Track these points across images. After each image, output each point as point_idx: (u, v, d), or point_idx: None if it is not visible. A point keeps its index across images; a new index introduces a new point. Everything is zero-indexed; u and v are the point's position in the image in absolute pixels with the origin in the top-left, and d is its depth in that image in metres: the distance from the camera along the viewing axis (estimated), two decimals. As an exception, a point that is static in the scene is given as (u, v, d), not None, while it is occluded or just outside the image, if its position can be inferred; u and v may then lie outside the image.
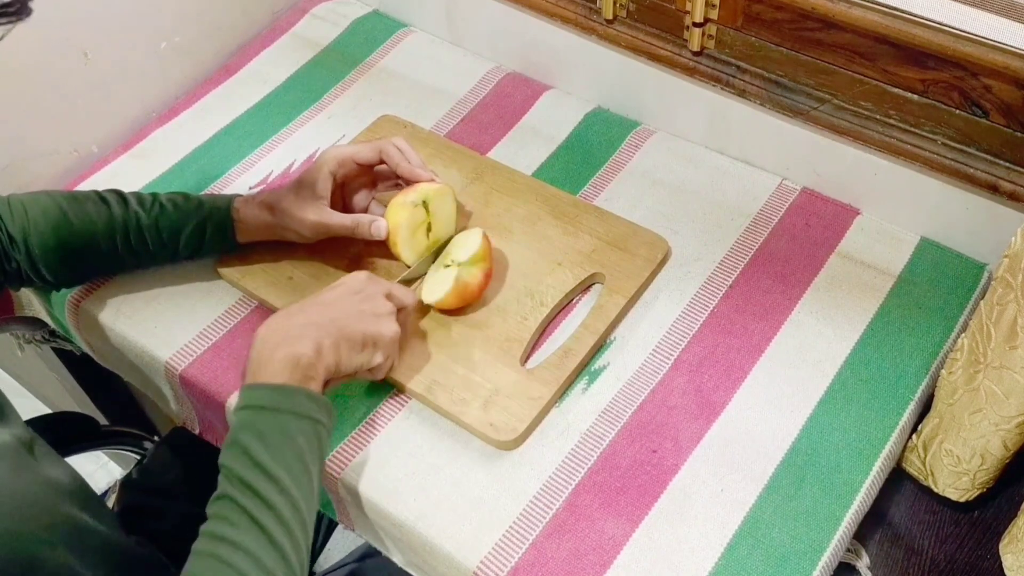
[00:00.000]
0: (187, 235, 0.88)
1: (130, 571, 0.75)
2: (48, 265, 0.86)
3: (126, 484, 1.04)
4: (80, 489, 0.75)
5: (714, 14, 0.92)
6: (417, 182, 0.90)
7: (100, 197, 0.88)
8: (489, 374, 0.84)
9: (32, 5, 0.57)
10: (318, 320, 0.74)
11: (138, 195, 0.89)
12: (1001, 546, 0.77)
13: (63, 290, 0.95)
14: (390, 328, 0.78)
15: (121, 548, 0.76)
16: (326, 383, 0.74)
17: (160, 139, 1.12)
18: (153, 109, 1.16)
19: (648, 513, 0.78)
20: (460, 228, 0.93)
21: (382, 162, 0.91)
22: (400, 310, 0.81)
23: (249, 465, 0.66)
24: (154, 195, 0.89)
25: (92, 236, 0.86)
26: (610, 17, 1.00)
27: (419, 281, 0.90)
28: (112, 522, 0.78)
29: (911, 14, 0.80)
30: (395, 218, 0.88)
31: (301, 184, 0.88)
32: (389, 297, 0.79)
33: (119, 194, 0.89)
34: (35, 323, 1.08)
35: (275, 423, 0.68)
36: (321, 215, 0.88)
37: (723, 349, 0.87)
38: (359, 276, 0.80)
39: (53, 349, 1.18)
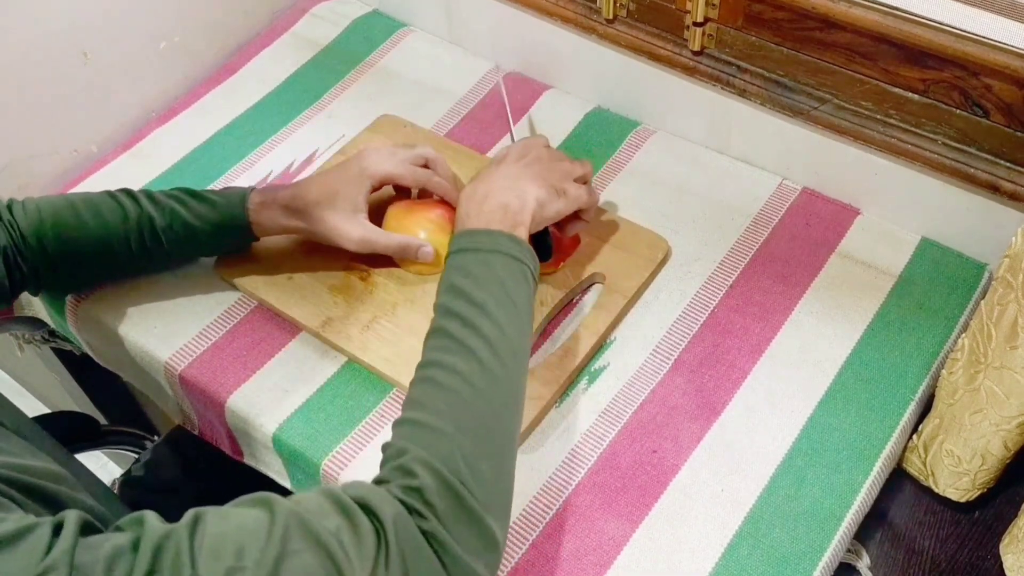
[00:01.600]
0: (203, 236, 0.87)
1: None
2: (63, 268, 0.86)
3: (126, 483, 1.04)
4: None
5: (714, 14, 0.92)
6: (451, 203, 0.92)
7: (113, 199, 0.87)
8: (489, 374, 0.84)
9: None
10: (516, 173, 0.81)
11: (150, 195, 0.88)
12: (1002, 546, 0.77)
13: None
14: (580, 189, 0.84)
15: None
16: None
17: (160, 139, 1.12)
18: (153, 109, 1.16)
19: (648, 513, 0.78)
20: None
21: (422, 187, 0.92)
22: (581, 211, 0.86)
23: (455, 296, 0.71)
24: (167, 194, 0.88)
25: (107, 238, 0.85)
26: (610, 17, 1.00)
27: None
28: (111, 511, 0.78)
29: (911, 14, 0.80)
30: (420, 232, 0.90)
31: (339, 196, 0.86)
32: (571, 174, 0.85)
33: (131, 194, 0.87)
34: (35, 323, 1.08)
35: (478, 260, 0.73)
36: (367, 233, 0.87)
37: (723, 349, 0.87)
38: (540, 141, 0.87)
39: (53, 349, 1.18)
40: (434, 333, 0.70)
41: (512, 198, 0.77)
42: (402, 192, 0.95)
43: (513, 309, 0.71)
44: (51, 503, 0.57)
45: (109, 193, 0.88)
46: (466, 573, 0.59)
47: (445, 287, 0.72)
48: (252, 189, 0.89)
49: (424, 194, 0.94)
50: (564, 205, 0.82)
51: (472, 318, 0.69)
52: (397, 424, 0.65)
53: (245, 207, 0.87)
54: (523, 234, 0.76)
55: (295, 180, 0.94)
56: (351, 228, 0.87)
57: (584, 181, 0.86)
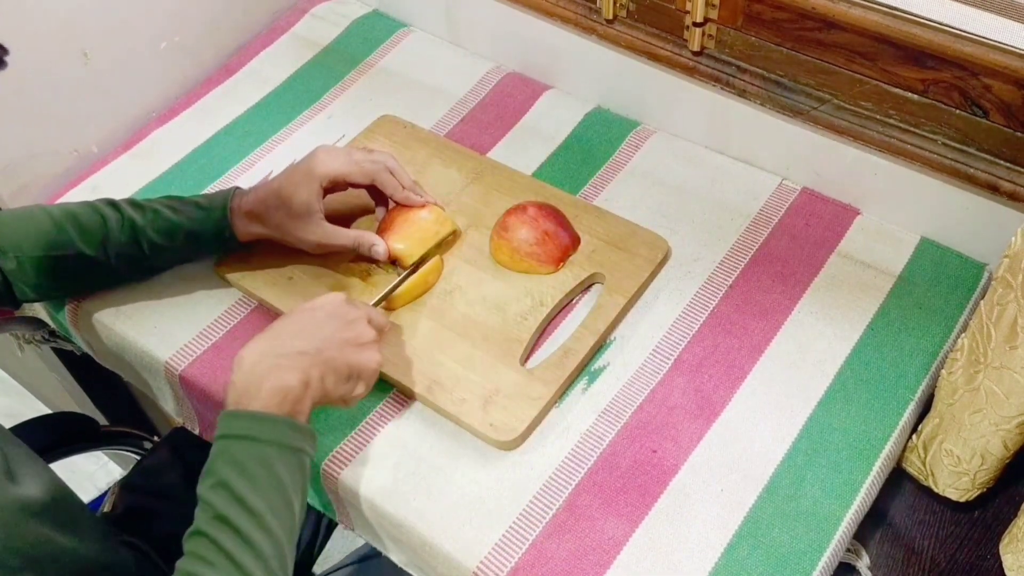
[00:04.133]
0: (183, 238, 0.88)
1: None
2: (41, 278, 0.86)
3: (126, 486, 1.04)
4: (52, 504, 0.73)
5: (714, 14, 0.92)
6: (410, 206, 0.91)
7: (92, 207, 0.87)
8: (489, 374, 0.84)
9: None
10: (305, 349, 0.71)
11: (132, 201, 0.89)
12: (1001, 546, 0.77)
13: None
14: (374, 359, 0.76)
15: (98, 563, 0.75)
16: None
17: (160, 139, 1.12)
18: (153, 109, 1.16)
19: (648, 513, 0.78)
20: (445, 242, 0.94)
21: (372, 185, 0.91)
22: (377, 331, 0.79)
23: (227, 498, 0.64)
24: (148, 200, 0.89)
25: (86, 244, 0.85)
26: (610, 17, 1.00)
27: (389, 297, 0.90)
28: (92, 536, 0.77)
29: (911, 14, 0.80)
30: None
31: (292, 200, 0.86)
32: (369, 323, 0.77)
33: (112, 202, 0.88)
34: (35, 323, 1.08)
35: (257, 454, 0.66)
36: (323, 236, 0.88)
37: (723, 349, 0.87)
38: (337, 299, 0.77)
39: (53, 349, 1.18)
40: (200, 538, 0.63)
41: (294, 380, 0.69)
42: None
43: (290, 516, 0.66)
44: None
45: (88, 202, 0.88)
46: None
47: (214, 481, 0.65)
48: (235, 191, 0.89)
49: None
50: (347, 390, 0.75)
51: (247, 531, 0.63)
52: None
53: (227, 206, 0.88)
54: (305, 418, 0.70)
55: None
56: (306, 230, 0.87)
57: (379, 329, 0.79)
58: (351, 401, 0.77)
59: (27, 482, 0.72)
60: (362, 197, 0.96)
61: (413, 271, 0.90)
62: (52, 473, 0.77)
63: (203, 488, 0.65)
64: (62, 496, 0.76)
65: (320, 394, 0.72)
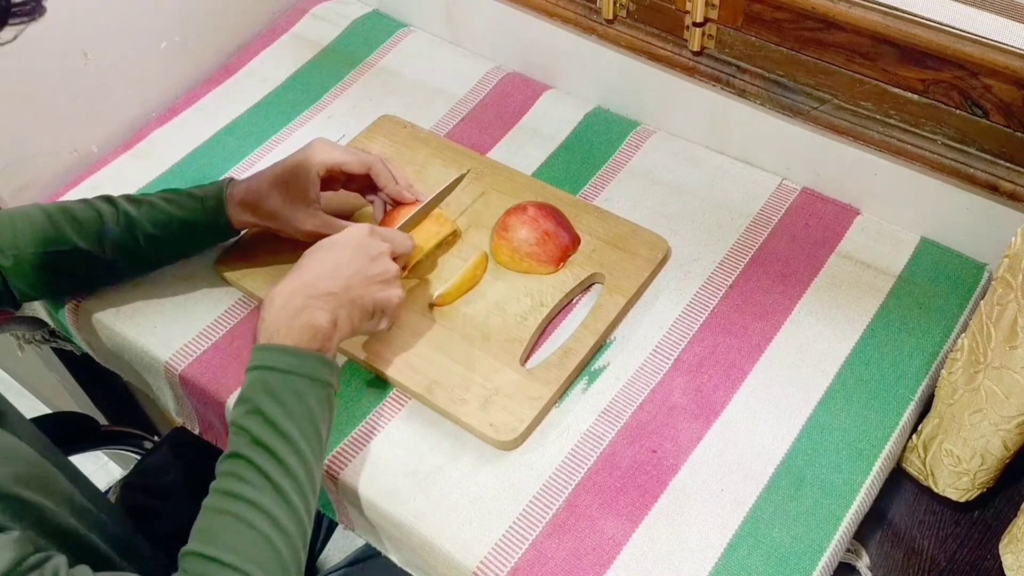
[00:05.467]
0: (178, 228, 0.87)
1: (127, 549, 0.75)
2: (39, 275, 0.86)
3: (126, 485, 1.04)
4: (63, 463, 0.76)
5: (714, 14, 0.92)
6: (401, 202, 0.91)
7: (87, 202, 0.87)
8: (489, 374, 0.84)
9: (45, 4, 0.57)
10: (333, 289, 0.75)
11: (127, 195, 0.89)
12: (1001, 546, 0.77)
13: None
14: (397, 295, 0.80)
15: (115, 530, 0.76)
16: None
17: (160, 139, 1.12)
18: (153, 109, 1.16)
19: (648, 513, 0.78)
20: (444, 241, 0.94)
21: (368, 176, 0.91)
22: (399, 256, 0.82)
23: (263, 424, 0.67)
24: (144, 194, 0.89)
25: (82, 239, 0.85)
26: (610, 17, 1.00)
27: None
28: (105, 504, 0.78)
29: (911, 14, 0.80)
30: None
31: (288, 186, 0.87)
32: (392, 255, 0.81)
33: (107, 197, 0.88)
34: (35, 323, 1.08)
35: (289, 385, 0.69)
36: (319, 224, 0.88)
37: (723, 349, 0.87)
38: (361, 232, 0.80)
39: (53, 349, 1.18)
40: (236, 460, 0.66)
41: (323, 320, 0.73)
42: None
43: (319, 444, 0.70)
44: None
45: (84, 200, 0.88)
46: None
47: (249, 408, 0.68)
48: (229, 180, 0.89)
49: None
50: (372, 325, 0.79)
51: (283, 455, 0.66)
52: (192, 556, 0.62)
53: (223, 193, 0.88)
54: (332, 353, 0.73)
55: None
56: (302, 218, 0.87)
57: (401, 261, 0.83)
58: (377, 334, 0.83)
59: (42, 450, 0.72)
60: (356, 199, 0.95)
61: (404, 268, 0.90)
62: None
63: (237, 414, 0.68)
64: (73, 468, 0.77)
65: (348, 330, 0.76)
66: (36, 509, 0.63)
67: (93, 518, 0.71)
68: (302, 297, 0.73)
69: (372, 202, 0.95)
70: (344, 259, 0.77)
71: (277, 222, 0.88)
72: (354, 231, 0.80)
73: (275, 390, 0.69)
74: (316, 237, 0.89)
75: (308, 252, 0.78)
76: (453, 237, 0.94)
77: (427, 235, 0.91)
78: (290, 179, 0.87)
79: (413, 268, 0.91)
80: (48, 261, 0.85)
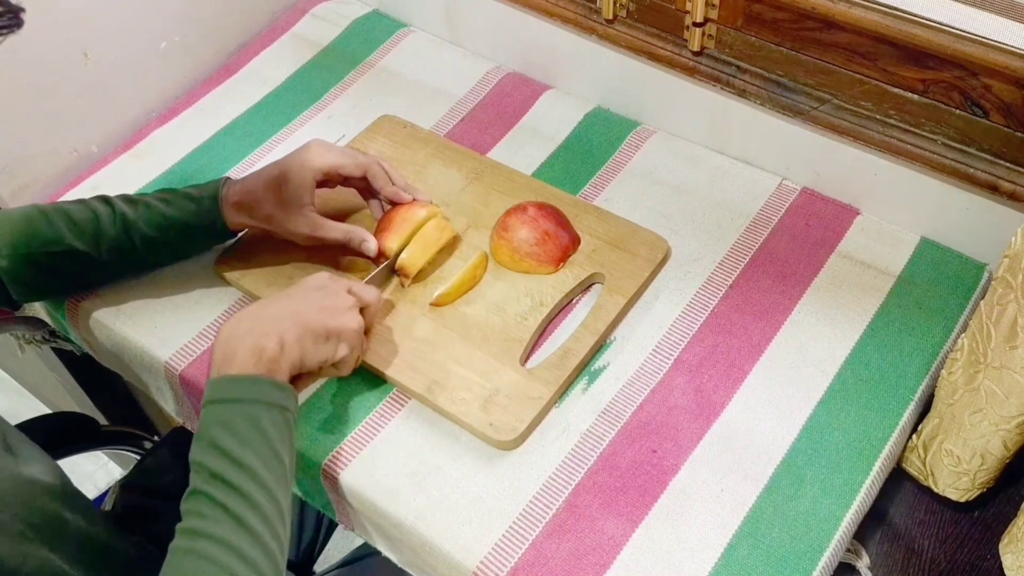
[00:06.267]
0: (174, 229, 0.87)
1: (114, 568, 0.75)
2: (35, 276, 0.86)
3: (125, 486, 1.04)
4: (60, 485, 0.75)
5: (714, 14, 0.92)
6: (399, 203, 0.91)
7: (84, 203, 0.87)
8: (489, 374, 0.84)
9: (30, 8, 0.57)
10: (280, 315, 0.74)
11: (124, 196, 0.89)
12: (1001, 546, 0.77)
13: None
14: (353, 320, 0.78)
15: (104, 544, 0.76)
16: (294, 380, 0.74)
17: (160, 139, 1.12)
18: (153, 109, 1.16)
19: (648, 513, 0.78)
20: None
21: (365, 178, 0.91)
22: (364, 308, 0.81)
23: (218, 456, 0.66)
24: (141, 195, 0.89)
25: (78, 239, 0.85)
26: (610, 17, 1.00)
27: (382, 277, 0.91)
28: (94, 518, 0.78)
29: (911, 14, 0.80)
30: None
31: (283, 188, 0.87)
32: (350, 292, 0.80)
33: (104, 198, 0.88)
34: (35, 323, 1.08)
35: (241, 412, 0.68)
36: (314, 228, 0.88)
37: (723, 349, 0.87)
38: (320, 275, 0.81)
39: (53, 349, 1.18)
40: (195, 497, 0.65)
41: (269, 343, 0.71)
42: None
43: (280, 467, 0.68)
44: None
45: (81, 200, 0.88)
46: None
47: (205, 443, 0.67)
48: (225, 181, 0.89)
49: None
50: (331, 351, 0.76)
51: (241, 484, 0.65)
52: None
53: (217, 195, 0.87)
54: (284, 377, 0.72)
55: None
56: (296, 221, 0.87)
57: (361, 299, 0.81)
58: (341, 366, 0.79)
59: (32, 463, 0.73)
60: (355, 198, 0.96)
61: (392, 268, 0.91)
62: (47, 459, 0.78)
63: (195, 452, 0.67)
64: (63, 479, 0.77)
65: (298, 354, 0.73)
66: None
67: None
68: (248, 323, 0.73)
69: (370, 204, 0.95)
70: (296, 293, 0.78)
71: (272, 225, 0.88)
72: (314, 276, 0.81)
73: (227, 421, 0.68)
74: (311, 241, 0.89)
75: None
76: (453, 242, 0.94)
77: (428, 242, 0.91)
78: (285, 182, 0.87)
79: (415, 277, 0.91)
80: (44, 262, 0.85)
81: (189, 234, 0.89)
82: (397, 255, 0.90)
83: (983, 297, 0.74)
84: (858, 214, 0.97)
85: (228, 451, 0.66)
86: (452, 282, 0.89)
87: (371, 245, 0.89)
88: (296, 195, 0.87)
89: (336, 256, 0.94)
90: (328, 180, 0.90)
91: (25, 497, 0.68)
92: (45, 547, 0.65)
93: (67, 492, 0.76)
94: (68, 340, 1.07)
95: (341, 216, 0.96)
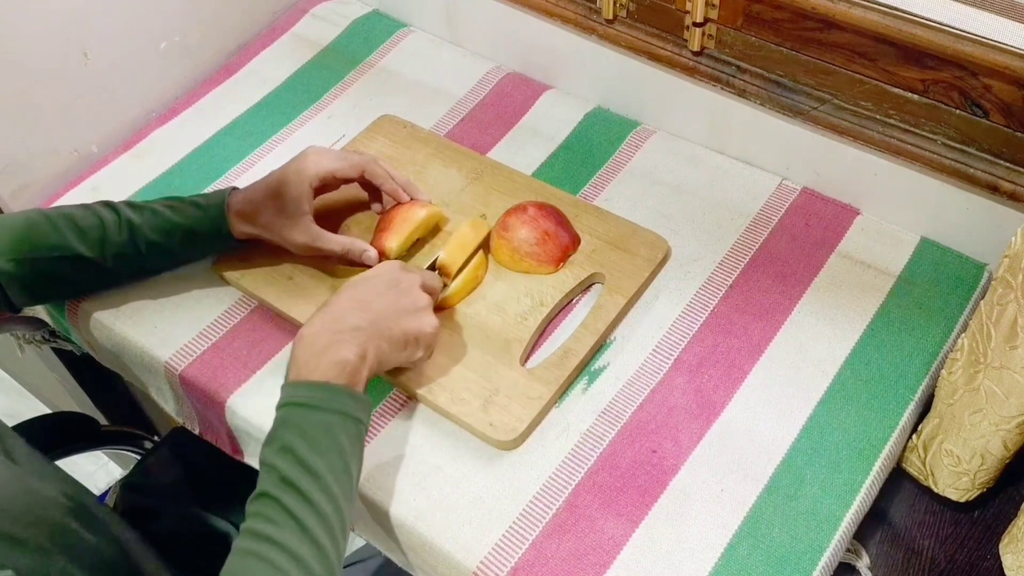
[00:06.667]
0: (180, 237, 0.87)
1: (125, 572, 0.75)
2: (38, 281, 0.85)
3: (126, 485, 1.04)
4: (68, 497, 0.74)
5: (714, 14, 0.92)
6: (399, 201, 0.91)
7: (89, 208, 0.87)
8: (489, 374, 0.84)
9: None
10: (360, 324, 0.74)
11: (129, 202, 0.89)
12: (1001, 546, 0.77)
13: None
14: (430, 323, 0.79)
15: (112, 556, 0.76)
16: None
17: (160, 139, 1.12)
18: (153, 109, 1.16)
19: (648, 513, 0.78)
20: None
21: (363, 178, 0.91)
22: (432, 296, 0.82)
23: (291, 462, 0.66)
24: (147, 201, 0.89)
25: (84, 245, 0.85)
26: (610, 17, 1.00)
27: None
28: (103, 530, 0.77)
29: (911, 14, 0.80)
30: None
31: (281, 198, 0.87)
32: (423, 287, 0.80)
33: (108, 203, 0.88)
34: (35, 323, 1.08)
35: (318, 421, 0.69)
36: (311, 238, 0.88)
37: (723, 349, 0.87)
38: (392, 267, 0.80)
39: (53, 349, 1.18)
40: (264, 500, 0.65)
41: (351, 354, 0.72)
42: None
43: (348, 480, 0.68)
44: None
45: (84, 204, 0.88)
46: None
47: (279, 446, 0.67)
48: (231, 190, 0.89)
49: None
50: (409, 356, 0.78)
51: (311, 492, 0.65)
52: None
53: (224, 203, 0.87)
54: (362, 387, 0.73)
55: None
56: (294, 231, 0.87)
57: (432, 292, 0.82)
58: (416, 364, 0.82)
59: (33, 474, 0.72)
60: (356, 197, 0.95)
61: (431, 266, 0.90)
62: (56, 469, 0.77)
63: (267, 453, 0.67)
64: (75, 491, 0.76)
65: (377, 363, 0.74)
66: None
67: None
68: (329, 333, 0.73)
69: (372, 206, 0.95)
70: (372, 293, 0.77)
71: (271, 233, 0.88)
72: (384, 267, 0.80)
73: (303, 426, 0.68)
74: (308, 251, 0.89)
75: (340, 290, 0.78)
76: (486, 241, 0.94)
77: (466, 241, 0.90)
78: (283, 192, 0.87)
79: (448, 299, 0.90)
80: (47, 267, 0.85)
81: (194, 241, 0.89)
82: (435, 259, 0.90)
83: (983, 297, 0.74)
84: (858, 214, 0.97)
85: (302, 458, 0.66)
86: (455, 285, 0.89)
87: (372, 254, 0.89)
88: (294, 204, 0.87)
89: (332, 260, 0.93)
90: (327, 185, 0.90)
91: (39, 510, 0.68)
92: (66, 559, 0.65)
93: (77, 504, 0.75)
94: (68, 340, 1.07)
95: (342, 214, 0.96)
